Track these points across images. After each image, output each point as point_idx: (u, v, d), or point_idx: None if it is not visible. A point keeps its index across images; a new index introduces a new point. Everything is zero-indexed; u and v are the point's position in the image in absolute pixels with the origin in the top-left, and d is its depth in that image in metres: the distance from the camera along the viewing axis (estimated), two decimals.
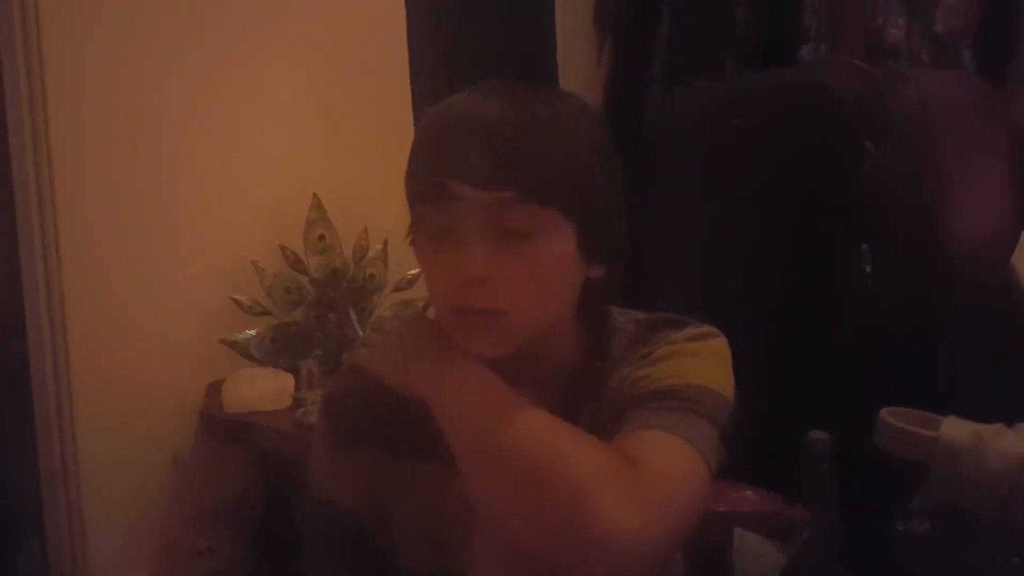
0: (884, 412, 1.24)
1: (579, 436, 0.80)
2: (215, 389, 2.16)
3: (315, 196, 2.26)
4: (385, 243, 2.28)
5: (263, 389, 2.12)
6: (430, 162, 0.84)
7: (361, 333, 2.24)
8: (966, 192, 1.62)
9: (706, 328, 0.94)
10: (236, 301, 2.20)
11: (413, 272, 2.30)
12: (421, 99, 2.34)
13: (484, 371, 0.85)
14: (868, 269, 1.53)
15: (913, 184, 1.57)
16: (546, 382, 0.91)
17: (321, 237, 2.27)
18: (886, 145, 1.54)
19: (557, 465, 0.77)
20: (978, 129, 1.71)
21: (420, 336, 0.90)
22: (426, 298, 0.96)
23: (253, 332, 2.20)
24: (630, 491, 0.75)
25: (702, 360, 0.90)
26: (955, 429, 1.19)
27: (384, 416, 0.91)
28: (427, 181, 0.84)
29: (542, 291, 0.85)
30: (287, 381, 2.15)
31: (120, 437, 2.08)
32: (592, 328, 0.94)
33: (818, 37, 1.93)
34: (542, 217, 0.82)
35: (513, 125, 0.82)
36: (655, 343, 0.91)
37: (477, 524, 0.89)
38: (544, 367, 0.91)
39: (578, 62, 2.50)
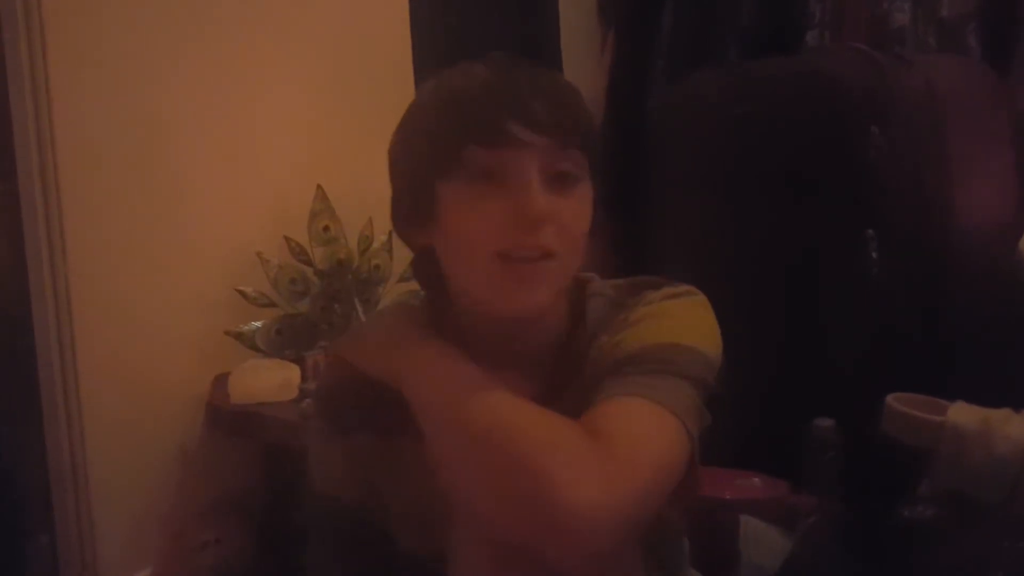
0: (890, 398, 1.23)
1: (542, 414, 0.80)
2: (221, 381, 2.17)
3: (319, 187, 2.27)
4: (390, 233, 2.27)
5: (269, 380, 2.12)
6: (487, 105, 0.84)
7: None
8: (972, 177, 1.61)
9: (685, 287, 0.92)
10: (241, 293, 2.20)
11: None
12: None
13: (458, 358, 0.86)
14: (874, 255, 1.53)
15: (919, 169, 1.57)
16: (535, 358, 0.91)
17: (326, 228, 2.27)
18: (891, 131, 1.54)
19: (518, 444, 0.77)
20: (984, 114, 1.70)
21: (397, 326, 0.91)
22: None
23: (259, 324, 2.21)
24: (593, 464, 0.75)
25: (677, 318, 0.89)
26: (962, 414, 1.18)
27: (375, 401, 0.91)
28: (484, 123, 0.83)
29: (582, 236, 0.87)
30: (293, 372, 2.15)
31: (127, 430, 2.08)
32: (575, 298, 0.94)
33: (823, 23, 1.92)
34: (580, 163, 0.86)
35: (557, 79, 0.88)
36: (633, 306, 0.90)
37: (455, 508, 0.89)
38: (534, 342, 0.91)
39: (582, 52, 2.50)
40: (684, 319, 0.89)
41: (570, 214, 0.85)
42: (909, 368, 1.47)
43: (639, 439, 0.79)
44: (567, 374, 0.90)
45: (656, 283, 0.92)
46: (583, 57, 2.49)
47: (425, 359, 0.87)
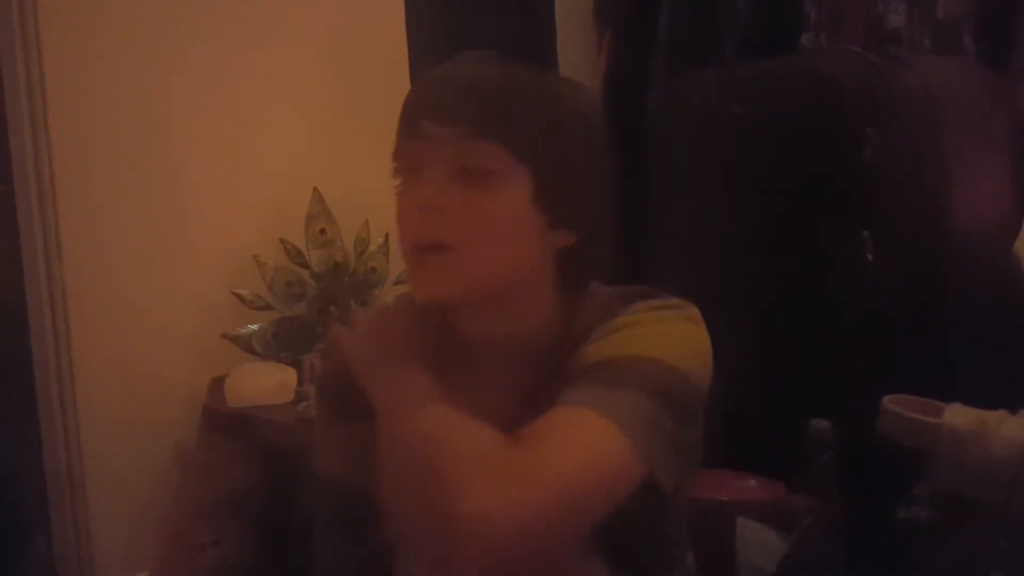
0: (887, 400, 1.23)
1: (466, 425, 0.80)
2: (218, 383, 2.17)
3: (316, 190, 2.26)
4: (386, 236, 2.28)
5: (265, 383, 2.12)
6: (409, 104, 0.88)
7: None
8: (968, 179, 1.61)
9: (676, 300, 0.89)
10: (238, 296, 2.20)
11: None
12: None
13: (417, 371, 0.86)
14: (870, 256, 1.53)
15: (915, 171, 1.57)
16: (523, 364, 0.91)
17: (322, 231, 2.27)
18: (887, 132, 1.54)
19: (432, 452, 0.77)
20: (980, 116, 1.70)
21: (382, 328, 0.91)
22: None
23: (255, 326, 2.21)
24: (497, 472, 0.74)
25: (654, 330, 0.85)
26: (958, 416, 1.18)
27: None
28: (405, 122, 0.88)
29: (492, 233, 0.85)
30: (289, 375, 2.15)
31: (124, 432, 2.08)
32: (567, 306, 0.92)
33: (818, 25, 1.93)
34: (496, 156, 0.84)
35: (484, 74, 0.87)
36: (616, 316, 0.87)
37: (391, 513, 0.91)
38: (518, 347, 0.91)
39: (578, 53, 2.50)
40: (662, 331, 0.86)
41: (470, 205, 0.84)
42: (906, 369, 1.47)
43: (565, 449, 0.77)
44: (548, 381, 0.87)
45: (649, 294, 0.90)
46: (580, 57, 2.49)
47: (387, 369, 0.87)
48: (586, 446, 0.77)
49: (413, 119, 0.86)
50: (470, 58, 0.89)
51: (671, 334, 0.86)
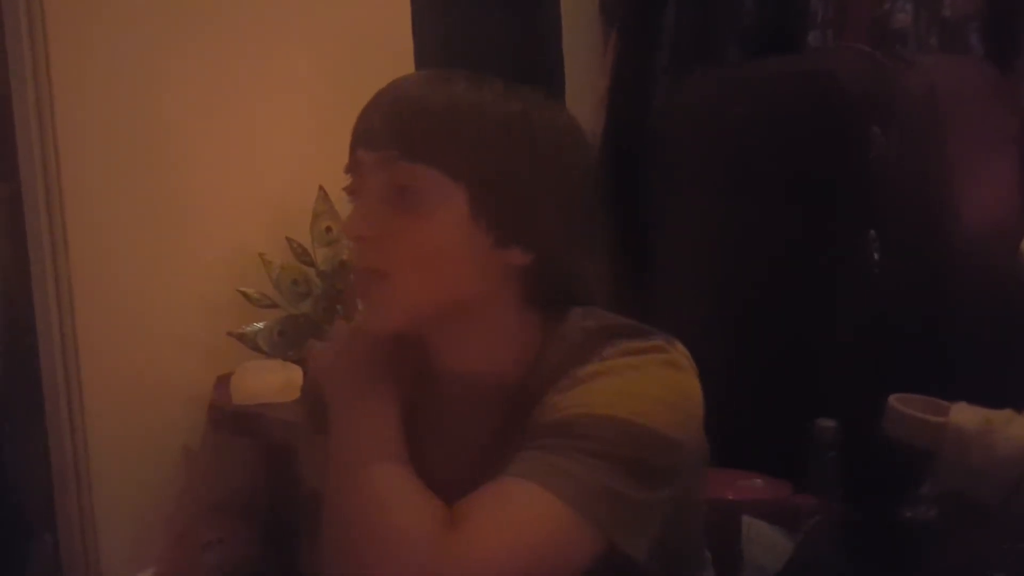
0: (893, 399, 1.23)
1: (409, 498, 0.77)
2: (224, 382, 2.17)
3: (321, 188, 2.27)
4: None
5: (271, 381, 2.12)
6: (352, 134, 0.87)
7: None
8: (974, 178, 1.61)
9: (658, 341, 0.81)
10: (244, 294, 2.20)
11: None
12: None
13: (384, 416, 0.83)
14: (876, 255, 1.53)
15: (921, 170, 1.57)
16: (497, 401, 0.86)
17: (328, 229, 2.27)
18: (893, 131, 1.54)
19: (371, 522, 0.76)
20: (986, 114, 1.70)
21: (353, 361, 0.88)
22: None
23: (261, 325, 2.21)
24: (429, 560, 0.72)
25: (621, 382, 0.78)
26: (964, 415, 1.18)
27: None
28: (349, 153, 0.86)
29: (427, 256, 0.81)
30: (295, 373, 2.15)
31: (129, 430, 2.08)
32: (543, 332, 0.86)
33: (825, 23, 1.93)
34: (427, 177, 0.80)
35: (408, 94, 0.84)
36: (587, 361, 0.80)
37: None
38: (494, 383, 0.86)
39: (584, 52, 2.50)
40: (633, 384, 0.78)
41: (401, 230, 0.81)
42: (911, 368, 1.48)
43: (500, 530, 0.73)
44: (517, 426, 0.81)
45: (632, 332, 0.82)
46: (586, 57, 2.49)
47: (350, 401, 0.85)
48: (524, 525, 0.73)
49: (351, 147, 0.85)
50: (404, 79, 0.86)
51: (643, 387, 0.79)
